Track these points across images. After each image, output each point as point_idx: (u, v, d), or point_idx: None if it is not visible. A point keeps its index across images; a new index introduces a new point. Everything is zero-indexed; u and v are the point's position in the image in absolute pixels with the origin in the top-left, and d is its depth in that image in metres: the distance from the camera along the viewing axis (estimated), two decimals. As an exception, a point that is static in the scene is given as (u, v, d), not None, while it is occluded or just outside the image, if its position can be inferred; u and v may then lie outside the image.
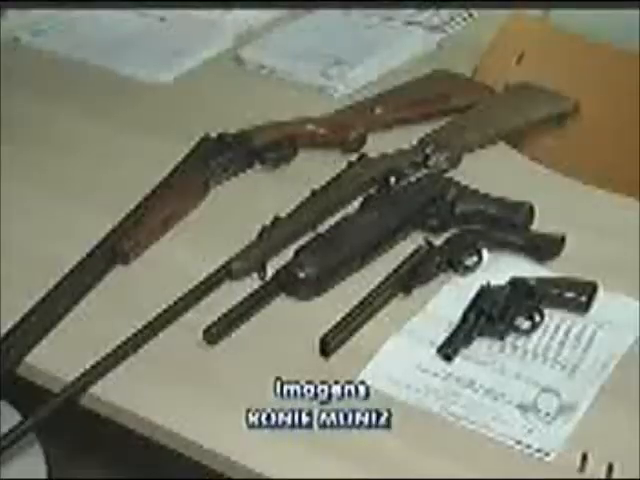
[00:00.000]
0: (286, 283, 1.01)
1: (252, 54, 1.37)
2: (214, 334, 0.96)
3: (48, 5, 1.33)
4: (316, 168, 1.17)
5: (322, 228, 1.08)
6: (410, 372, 0.94)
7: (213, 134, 1.17)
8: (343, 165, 1.15)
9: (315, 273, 1.01)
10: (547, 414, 0.90)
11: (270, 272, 1.02)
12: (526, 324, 0.98)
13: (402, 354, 0.96)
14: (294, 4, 1.42)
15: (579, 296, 1.00)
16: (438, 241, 1.06)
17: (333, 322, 0.96)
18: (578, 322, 0.99)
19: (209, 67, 1.37)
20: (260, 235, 1.06)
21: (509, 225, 1.09)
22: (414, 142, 1.19)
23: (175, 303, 0.99)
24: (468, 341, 0.96)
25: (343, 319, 0.97)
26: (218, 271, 1.02)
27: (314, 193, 1.11)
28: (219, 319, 0.97)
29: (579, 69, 1.33)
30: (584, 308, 1.00)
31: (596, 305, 1.00)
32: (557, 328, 0.99)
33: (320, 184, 1.12)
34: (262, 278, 1.03)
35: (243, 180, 1.18)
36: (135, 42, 1.40)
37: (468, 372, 0.94)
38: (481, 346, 0.97)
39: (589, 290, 1.00)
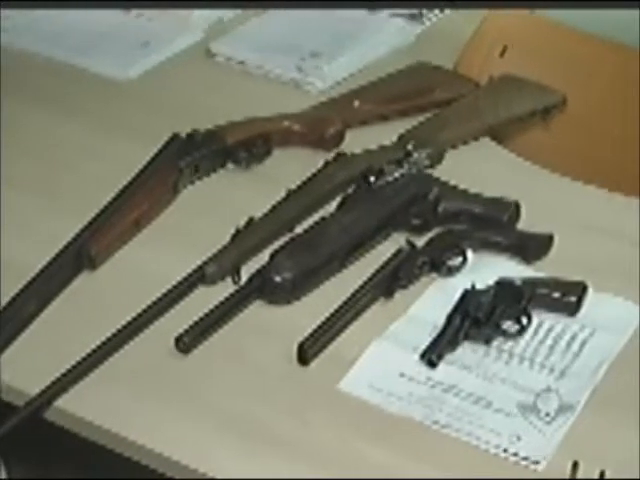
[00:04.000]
0: (262, 288, 1.01)
1: (223, 47, 1.37)
2: (186, 342, 0.96)
3: (48, 5, 1.32)
4: (292, 167, 1.17)
5: (299, 229, 1.08)
6: (392, 379, 0.95)
7: (183, 132, 1.17)
8: (320, 163, 1.15)
9: (292, 277, 1.01)
10: (537, 420, 0.90)
11: (245, 276, 1.02)
12: (513, 327, 0.99)
13: (384, 360, 0.96)
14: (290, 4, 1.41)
15: (568, 297, 1.00)
16: (421, 242, 1.06)
17: (311, 328, 0.97)
18: (567, 324, 1.00)
19: (178, 62, 1.36)
20: (234, 238, 1.06)
21: (494, 224, 1.09)
22: (394, 138, 1.19)
23: (145, 310, 0.99)
24: (453, 346, 0.97)
25: (322, 325, 0.97)
26: (190, 276, 1.02)
27: (290, 193, 1.11)
28: (192, 326, 0.97)
29: (565, 61, 1.34)
30: (573, 309, 1.00)
31: (586, 306, 1.00)
32: (545, 331, 0.99)
33: (296, 183, 1.12)
34: (236, 283, 1.03)
35: (215, 180, 1.18)
36: (101, 37, 1.40)
37: (453, 378, 0.94)
38: (466, 351, 0.97)
39: (578, 290, 1.00)
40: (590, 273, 1.03)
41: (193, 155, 1.15)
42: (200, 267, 1.03)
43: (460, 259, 1.06)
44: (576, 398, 0.92)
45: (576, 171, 1.17)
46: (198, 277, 1.02)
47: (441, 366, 0.95)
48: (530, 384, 0.93)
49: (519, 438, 0.89)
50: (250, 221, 1.07)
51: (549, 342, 0.98)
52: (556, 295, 1.00)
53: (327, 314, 0.98)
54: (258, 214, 1.08)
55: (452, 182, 1.12)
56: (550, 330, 0.99)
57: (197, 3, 1.40)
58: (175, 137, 1.17)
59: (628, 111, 1.27)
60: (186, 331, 0.97)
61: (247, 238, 1.06)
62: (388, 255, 1.04)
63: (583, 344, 0.98)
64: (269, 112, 1.22)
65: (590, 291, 1.01)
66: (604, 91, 1.30)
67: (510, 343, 0.98)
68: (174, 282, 1.02)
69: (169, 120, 1.22)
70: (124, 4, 1.38)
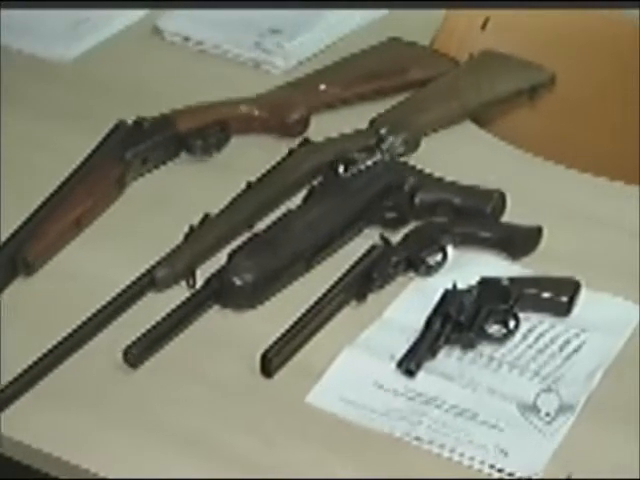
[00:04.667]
0: (219, 292, 1.01)
1: (172, 24, 1.36)
2: (136, 355, 0.96)
3: (48, 5, 1.31)
4: (252, 156, 1.17)
5: (260, 226, 1.08)
6: (366, 391, 0.95)
7: (129, 119, 1.17)
8: (283, 152, 1.15)
9: (253, 279, 1.01)
10: (528, 433, 0.91)
11: (200, 280, 1.02)
12: (499, 331, 0.99)
13: (357, 370, 0.96)
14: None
15: (559, 296, 1.01)
16: (396, 237, 1.07)
17: (275, 336, 0.97)
18: (559, 326, 1.00)
19: (122, 40, 1.36)
20: (187, 237, 1.06)
21: (477, 217, 1.10)
22: (365, 123, 1.19)
23: (89, 320, 0.99)
24: (433, 353, 0.97)
25: (287, 332, 0.97)
26: (139, 280, 1.02)
27: (250, 185, 1.11)
28: (141, 337, 0.97)
29: (554, 35, 1.35)
30: (565, 310, 1.01)
31: (579, 306, 1.01)
32: (535, 334, 1.00)
33: (257, 175, 1.12)
34: (191, 287, 1.03)
35: (166, 173, 1.18)
36: (34, 14, 1.38)
37: (434, 388, 0.95)
38: (448, 358, 0.98)
39: (570, 289, 1.01)
40: (583, 269, 1.03)
41: (141, 145, 1.15)
42: (150, 270, 1.03)
43: (440, 256, 1.06)
44: (570, 406, 0.93)
45: (568, 158, 1.18)
46: (148, 282, 1.02)
47: (420, 375, 0.96)
48: (519, 393, 0.94)
49: (506, 454, 0.90)
50: (206, 218, 1.07)
51: (539, 346, 0.99)
52: (546, 294, 1.01)
53: (293, 320, 0.98)
54: (215, 210, 1.08)
55: (430, 171, 1.13)
56: (540, 333, 1.00)
57: (193, 3, 1.39)
58: (120, 125, 1.17)
59: (627, 92, 1.28)
60: (135, 342, 0.97)
61: (202, 237, 1.06)
62: (360, 253, 1.04)
63: (577, 348, 0.99)
64: (226, 95, 1.22)
65: (583, 289, 1.02)
66: (599, 69, 1.31)
67: (496, 348, 0.98)
68: (121, 288, 1.02)
69: (113, 106, 1.22)
70: (125, 4, 1.37)
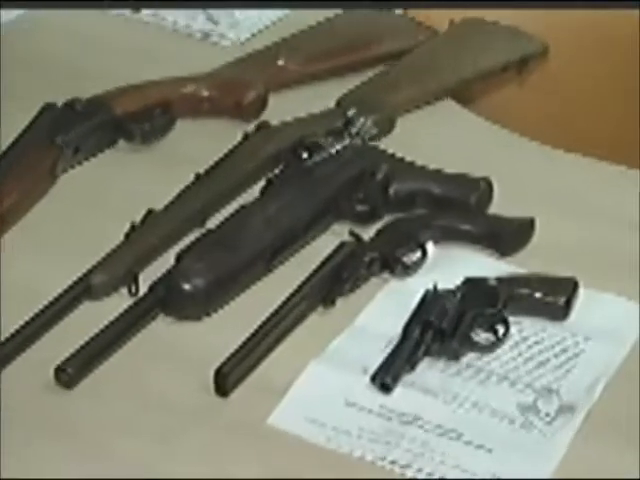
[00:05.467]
0: (166, 299, 1.01)
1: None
2: (70, 374, 0.96)
3: (48, 5, 1.31)
4: (201, 143, 1.18)
5: (212, 223, 1.08)
6: (336, 410, 0.95)
7: (59, 101, 1.17)
8: (238, 137, 1.15)
9: (205, 284, 1.01)
10: (521, 452, 0.92)
11: (144, 286, 1.02)
12: (487, 338, 1.00)
13: (325, 386, 0.97)
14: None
15: (555, 298, 1.02)
16: (368, 233, 1.07)
17: (231, 349, 0.97)
18: (555, 332, 1.01)
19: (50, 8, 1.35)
20: (128, 236, 1.05)
21: (461, 208, 1.10)
22: (332, 103, 1.20)
23: (15, 333, 0.98)
24: (412, 365, 0.97)
25: (244, 344, 0.97)
26: (73, 288, 1.02)
27: (199, 176, 1.11)
28: (76, 353, 0.97)
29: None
30: (562, 314, 1.02)
31: (577, 309, 1.02)
32: (528, 342, 1.01)
33: (207, 164, 1.12)
34: (133, 294, 1.03)
35: (103, 162, 1.17)
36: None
37: (413, 405, 0.95)
38: (430, 370, 0.98)
39: (568, 289, 1.02)
40: (582, 266, 1.04)
41: (73, 130, 1.15)
42: (85, 276, 1.03)
43: (418, 254, 1.06)
44: (568, 423, 0.93)
45: (562, 140, 1.19)
46: (83, 289, 1.02)
47: (398, 391, 0.96)
48: (510, 409, 0.95)
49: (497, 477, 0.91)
50: (149, 214, 1.07)
51: (532, 355, 0.99)
52: (540, 296, 1.02)
53: (251, 330, 0.98)
54: (159, 205, 1.08)
55: (406, 156, 1.13)
56: (534, 341, 1.01)
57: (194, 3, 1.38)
58: (49, 107, 1.16)
59: (629, 65, 1.29)
60: (68, 359, 0.96)
61: (145, 236, 1.05)
62: (327, 252, 1.04)
63: (575, 356, 0.99)
64: (170, 73, 1.22)
65: (582, 289, 1.02)
66: (596, 39, 1.32)
67: (484, 359, 0.99)
68: (52, 296, 1.01)
69: (42, 84, 1.22)
70: (126, 4, 1.37)
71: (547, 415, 0.94)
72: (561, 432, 0.93)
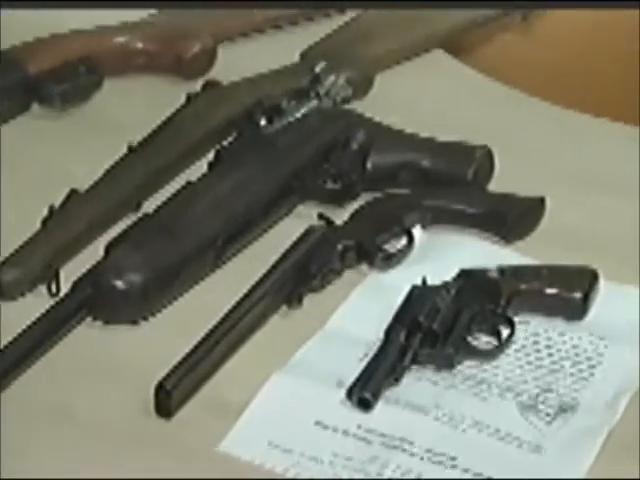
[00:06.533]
0: (94, 299, 1.01)
1: None
2: (-23, 391, 0.96)
3: (48, 5, 1.31)
4: (134, 107, 1.18)
5: (150, 206, 1.08)
6: (305, 432, 0.95)
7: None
8: (180, 100, 1.15)
9: (142, 281, 1.01)
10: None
11: (67, 283, 1.02)
12: (488, 342, 1.00)
13: (290, 403, 0.97)
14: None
15: (570, 292, 1.02)
16: (341, 216, 1.07)
17: (175, 360, 0.96)
18: (569, 335, 1.01)
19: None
20: (46, 222, 1.05)
21: (455, 185, 1.11)
22: (295, 56, 1.20)
23: None
24: (396, 376, 0.97)
25: (191, 353, 0.97)
26: (-21, 286, 1.02)
27: (133, 149, 1.11)
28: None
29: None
30: (579, 311, 1.02)
31: (597, 306, 1.02)
32: (537, 346, 1.01)
33: (142, 133, 1.12)
34: (54, 294, 1.02)
35: (14, 131, 1.17)
36: None
37: (398, 425, 0.95)
38: (418, 382, 0.98)
39: (585, 282, 1.02)
40: (602, 254, 1.05)
41: (-23, 94, 1.16)
42: (-6, 271, 1.02)
43: (403, 241, 1.06)
44: (584, 445, 0.93)
45: (573, 99, 1.19)
46: (-8, 288, 1.02)
47: (379, 408, 0.96)
48: (516, 427, 0.95)
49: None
50: (71, 195, 1.07)
51: (542, 363, 0.99)
52: (551, 290, 1.02)
53: (199, 337, 0.98)
54: (84, 184, 1.08)
55: (387, 121, 1.13)
56: (544, 345, 1.01)
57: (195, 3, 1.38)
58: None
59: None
60: (-24, 374, 0.96)
61: (68, 223, 1.05)
62: (291, 240, 1.04)
63: (594, 364, 0.99)
64: (97, 21, 1.22)
65: (602, 282, 1.03)
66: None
67: (484, 367, 0.99)
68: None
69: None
70: (126, 4, 1.37)
71: (561, 436, 0.94)
72: (579, 457, 0.93)
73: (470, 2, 1.26)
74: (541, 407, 0.96)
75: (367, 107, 1.16)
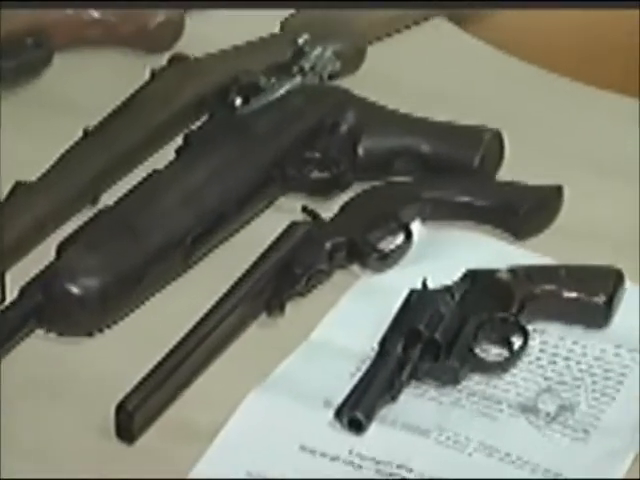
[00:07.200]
0: (45, 307, 1.00)
1: None
2: None
3: (48, 5, 1.32)
4: (90, 85, 1.18)
5: (108, 199, 1.08)
6: (287, 456, 0.95)
7: None
8: (144, 77, 1.15)
9: (100, 286, 1.01)
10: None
11: (13, 289, 1.02)
12: (498, 354, 1.00)
13: (270, 425, 0.97)
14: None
15: (591, 297, 1.02)
16: (329, 210, 1.07)
17: (138, 377, 0.96)
18: (591, 344, 1.01)
19: None
20: (-11, 217, 1.05)
21: (459, 173, 1.11)
22: (275, 26, 1.20)
23: None
24: (393, 393, 0.97)
25: (156, 369, 0.97)
26: None
27: (89, 132, 1.11)
28: None
29: None
30: (602, 318, 1.02)
31: (622, 312, 1.02)
32: (554, 358, 1.01)
33: (99, 115, 1.12)
34: (-1, 301, 1.02)
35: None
36: None
37: (395, 449, 0.95)
38: (418, 400, 0.98)
39: (609, 284, 1.02)
40: (627, 252, 1.05)
41: None
42: None
43: (400, 238, 1.07)
44: (609, 471, 0.93)
45: (592, 74, 1.20)
46: None
47: (373, 429, 0.96)
48: (528, 451, 0.95)
49: None
50: (17, 187, 1.07)
51: (560, 377, 0.99)
52: (570, 294, 1.02)
53: (165, 350, 0.98)
54: (32, 174, 1.08)
55: (381, 100, 1.13)
56: (563, 357, 1.01)
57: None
58: None
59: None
60: None
61: (13, 218, 1.05)
62: (272, 238, 1.04)
63: (619, 380, 0.99)
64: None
65: (629, 284, 1.03)
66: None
67: (494, 382, 0.99)
68: None
69: None
70: (125, 4, 1.38)
71: (580, 462, 0.94)
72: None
73: (470, 2, 1.28)
74: (558, 428, 0.96)
75: (358, 84, 1.17)
